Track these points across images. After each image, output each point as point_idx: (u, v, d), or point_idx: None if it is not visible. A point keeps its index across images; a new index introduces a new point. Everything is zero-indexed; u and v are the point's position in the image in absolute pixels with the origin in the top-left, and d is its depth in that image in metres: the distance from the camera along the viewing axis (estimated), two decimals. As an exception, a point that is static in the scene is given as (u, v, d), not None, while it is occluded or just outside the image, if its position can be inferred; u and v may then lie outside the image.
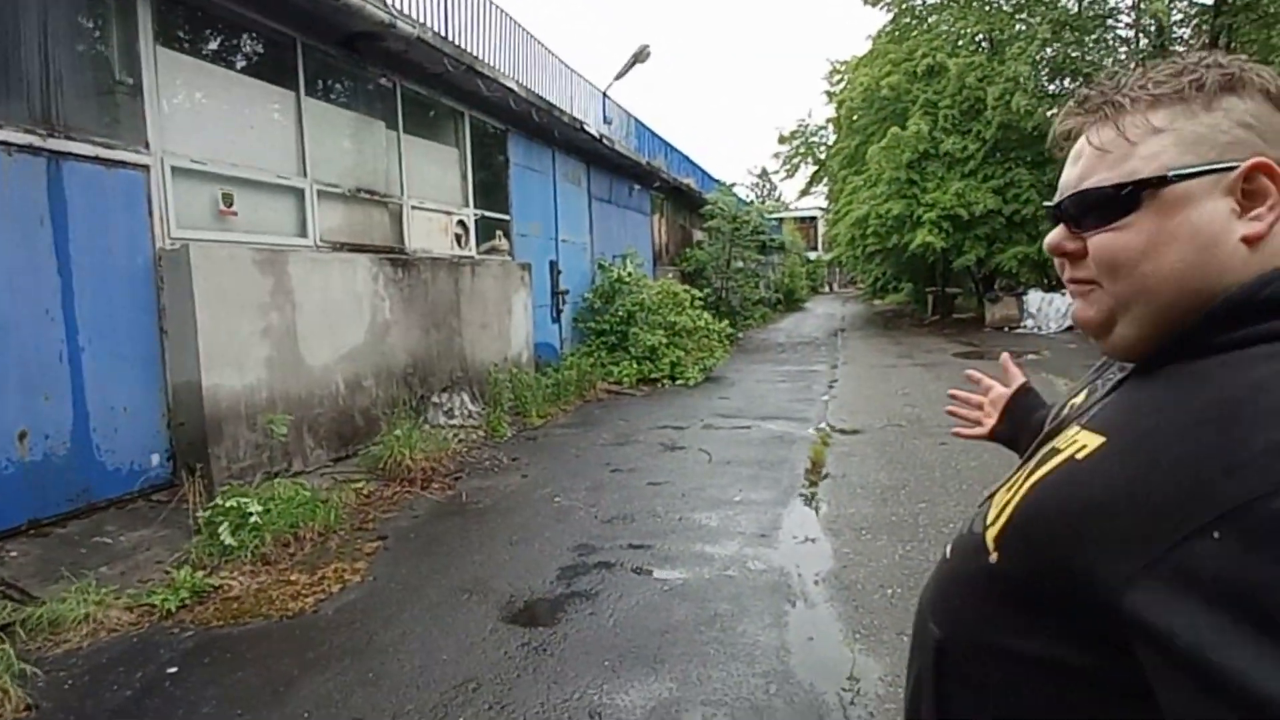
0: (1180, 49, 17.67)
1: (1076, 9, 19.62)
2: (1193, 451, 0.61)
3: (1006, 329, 19.63)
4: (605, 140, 13.44)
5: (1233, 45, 16.89)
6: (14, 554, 4.40)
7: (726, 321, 15.13)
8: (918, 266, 24.41)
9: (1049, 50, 18.96)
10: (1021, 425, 1.33)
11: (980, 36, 20.91)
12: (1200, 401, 0.65)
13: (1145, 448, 0.65)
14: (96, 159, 5.13)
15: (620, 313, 12.75)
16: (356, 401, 7.07)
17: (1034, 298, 19.56)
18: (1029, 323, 19.38)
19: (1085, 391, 0.94)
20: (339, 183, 7.46)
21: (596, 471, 6.82)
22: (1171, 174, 0.72)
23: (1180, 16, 19.31)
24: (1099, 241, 0.77)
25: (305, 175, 6.98)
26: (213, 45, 6.37)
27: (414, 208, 8.61)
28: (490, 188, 10.63)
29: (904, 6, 22.11)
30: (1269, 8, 16.51)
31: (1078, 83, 18.68)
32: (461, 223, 9.59)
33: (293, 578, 4.45)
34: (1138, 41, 19.59)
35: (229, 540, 4.61)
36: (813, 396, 10.79)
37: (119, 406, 5.26)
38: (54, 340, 4.86)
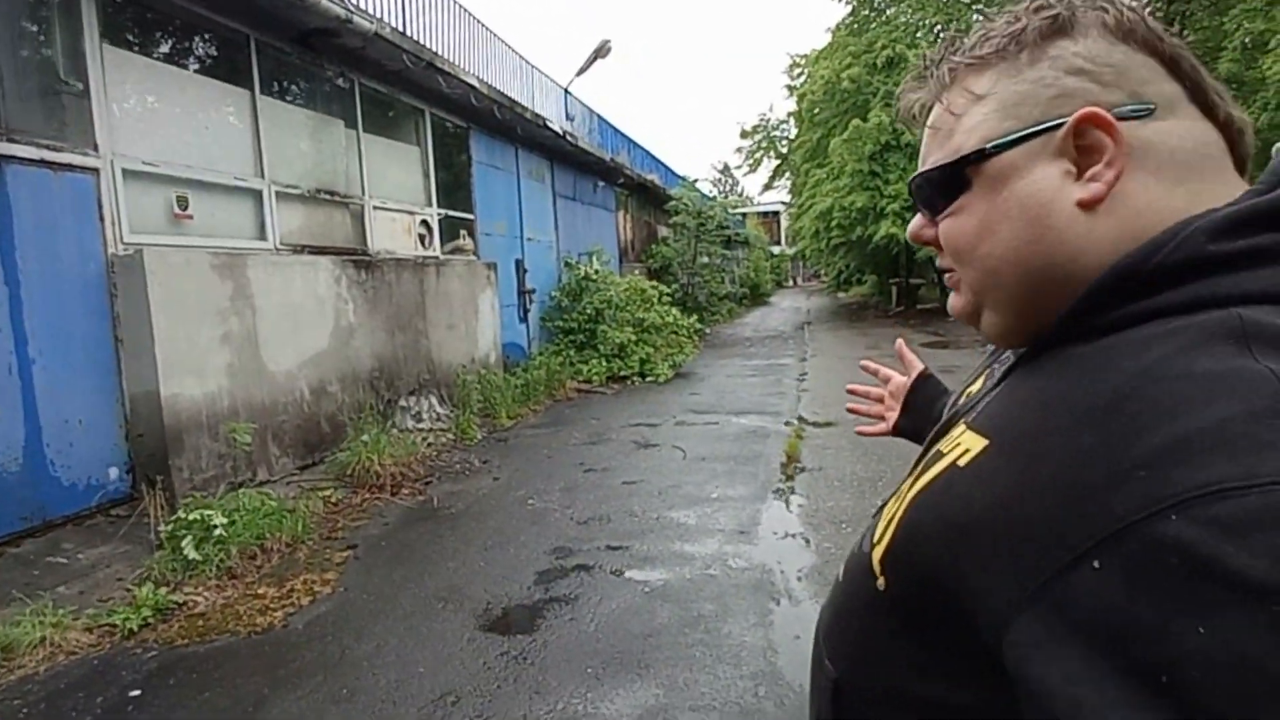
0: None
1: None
2: (1074, 459, 0.50)
3: (970, 318, 19.75)
4: (569, 137, 13.31)
5: (1185, 32, 17.17)
6: (-36, 577, 4.21)
7: (694, 317, 15.11)
8: (881, 258, 24.59)
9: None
10: (924, 417, 1.23)
11: (939, 27, 21.08)
12: (1083, 395, 0.54)
13: (1025, 453, 0.55)
14: (42, 162, 4.94)
15: (588, 310, 12.65)
16: (322, 407, 6.91)
17: (997, 287, 19.75)
18: (992, 311, 19.53)
19: (982, 378, 0.84)
20: (298, 184, 7.27)
21: (570, 472, 6.72)
22: (990, 146, 0.64)
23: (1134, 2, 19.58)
24: (943, 228, 0.70)
25: (263, 176, 6.80)
26: (163, 44, 6.17)
27: (376, 208, 8.44)
28: (453, 186, 10.47)
29: (862, -1, 22.21)
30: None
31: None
32: (425, 222, 9.43)
33: (260, 591, 4.31)
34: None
35: (193, 554, 4.45)
36: (784, 390, 10.79)
37: (74, 419, 5.07)
38: (2, 352, 4.66)
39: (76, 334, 5.11)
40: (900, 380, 1.35)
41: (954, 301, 0.73)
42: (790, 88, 27.40)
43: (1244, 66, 15.63)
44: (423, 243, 9.33)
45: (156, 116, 5.95)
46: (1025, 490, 0.52)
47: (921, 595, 0.61)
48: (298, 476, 6.37)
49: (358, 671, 3.41)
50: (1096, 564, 0.45)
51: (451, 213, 10.21)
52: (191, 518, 4.66)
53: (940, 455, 0.66)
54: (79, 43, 5.28)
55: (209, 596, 4.23)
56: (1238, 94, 13.42)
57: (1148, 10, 0.66)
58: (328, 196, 7.70)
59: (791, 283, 51.02)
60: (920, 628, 0.62)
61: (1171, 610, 0.42)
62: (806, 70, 25.21)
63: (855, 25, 22.50)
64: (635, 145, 20.75)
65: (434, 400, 8.60)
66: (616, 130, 19.17)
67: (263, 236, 6.79)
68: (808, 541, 4.83)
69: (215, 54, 6.61)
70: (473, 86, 9.59)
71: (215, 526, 4.60)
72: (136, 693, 3.31)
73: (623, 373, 12.02)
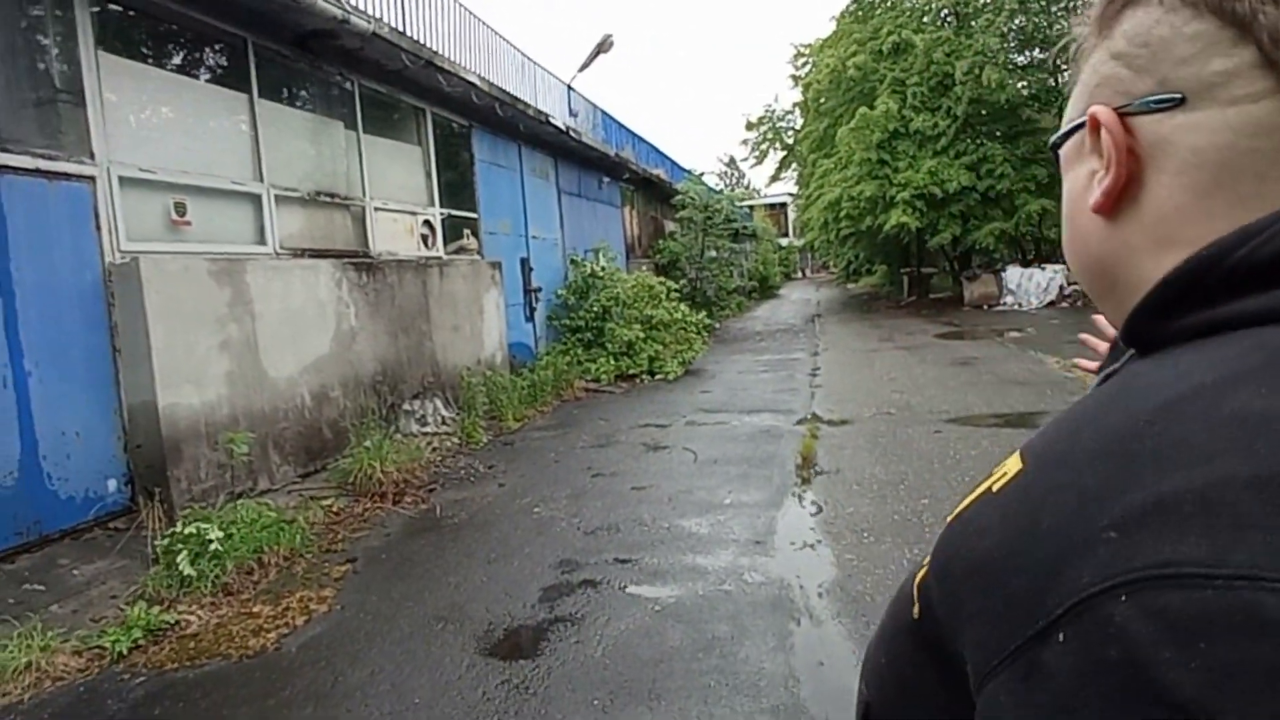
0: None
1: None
2: (1074, 506, 0.42)
3: (986, 307, 19.56)
4: (572, 133, 13.17)
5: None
6: (-44, 597, 4.11)
7: (703, 312, 14.94)
8: (892, 248, 24.38)
9: (1017, 21, 18.87)
10: None
11: (945, 11, 20.82)
12: (1108, 425, 0.45)
13: (1042, 486, 0.46)
14: (37, 171, 4.87)
15: (595, 308, 12.52)
16: (323, 413, 6.80)
17: (1013, 274, 19.51)
18: (1009, 299, 19.31)
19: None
20: (298, 186, 7.16)
21: (577, 477, 6.59)
22: (1053, 140, 0.61)
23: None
24: None
25: (262, 180, 6.69)
26: (159, 49, 6.09)
27: (377, 209, 8.32)
28: (456, 186, 10.34)
29: (867, -15, 21.96)
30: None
31: (1047, 54, 18.66)
32: (428, 223, 9.31)
33: (255, 609, 4.20)
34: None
35: (188, 570, 4.34)
36: (796, 386, 10.61)
37: (71, 431, 4.99)
38: (-4, 365, 4.58)
39: (73, 345, 5.03)
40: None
41: None
42: (795, 78, 27.09)
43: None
44: (426, 243, 9.21)
45: (154, 123, 5.87)
46: (1027, 536, 0.44)
47: (938, 631, 0.52)
48: (299, 485, 6.26)
49: (350, 701, 3.27)
50: (1061, 636, 0.39)
51: (455, 212, 10.08)
52: (188, 532, 4.54)
53: (992, 473, 0.55)
54: (74, 51, 5.20)
55: (202, 615, 4.12)
56: None
57: None
58: (328, 199, 7.58)
59: (800, 274, 50.74)
60: (941, 666, 0.53)
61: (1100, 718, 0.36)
62: (811, 60, 24.91)
63: (860, 12, 22.25)
64: (640, 140, 20.58)
65: (439, 403, 8.49)
66: (621, 125, 19.01)
67: (262, 241, 6.69)
68: (828, 553, 4.61)
69: (213, 59, 6.53)
70: (473, 84, 9.46)
71: (211, 541, 4.49)
72: (123, 723, 3.19)
73: (631, 371, 11.87)
